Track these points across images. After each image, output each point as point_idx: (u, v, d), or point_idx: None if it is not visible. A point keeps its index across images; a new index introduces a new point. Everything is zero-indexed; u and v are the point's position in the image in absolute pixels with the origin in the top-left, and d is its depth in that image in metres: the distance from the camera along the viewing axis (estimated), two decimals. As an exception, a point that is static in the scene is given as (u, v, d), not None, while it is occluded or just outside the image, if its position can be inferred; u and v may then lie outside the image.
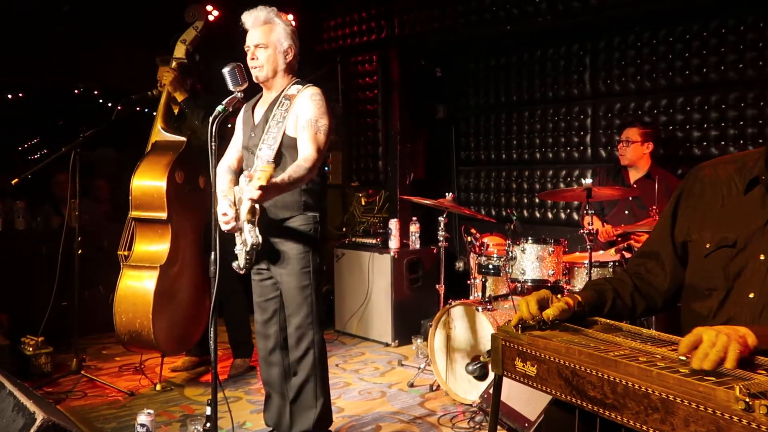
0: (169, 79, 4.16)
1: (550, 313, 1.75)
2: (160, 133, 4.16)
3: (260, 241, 2.83)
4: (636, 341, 1.58)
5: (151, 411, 3.08)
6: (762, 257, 1.70)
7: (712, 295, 1.77)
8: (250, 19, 2.95)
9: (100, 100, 6.49)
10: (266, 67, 2.96)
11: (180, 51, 4.16)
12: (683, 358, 1.41)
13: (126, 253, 4.06)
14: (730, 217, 1.80)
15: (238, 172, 3.16)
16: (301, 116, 2.88)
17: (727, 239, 1.76)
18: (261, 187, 2.55)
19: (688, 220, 1.90)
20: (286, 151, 2.91)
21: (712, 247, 1.78)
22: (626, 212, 4.39)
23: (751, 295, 1.69)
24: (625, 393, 1.39)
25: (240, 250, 2.95)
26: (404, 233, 5.41)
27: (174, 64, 4.19)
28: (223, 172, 3.13)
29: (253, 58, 2.94)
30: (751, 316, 1.67)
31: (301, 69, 3.16)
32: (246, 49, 2.97)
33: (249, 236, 2.83)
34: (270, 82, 3.02)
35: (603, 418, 1.46)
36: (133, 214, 3.98)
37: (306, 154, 2.82)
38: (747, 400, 1.16)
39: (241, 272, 2.96)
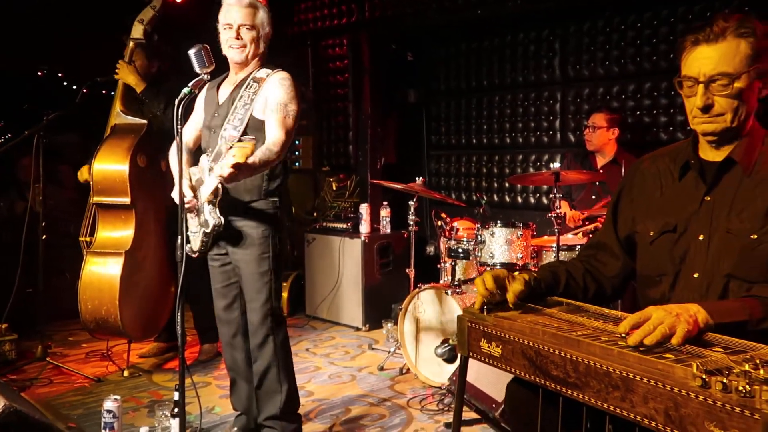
0: (119, 71, 4.07)
1: (516, 288, 1.77)
2: (119, 116, 4.07)
3: (222, 222, 2.81)
4: (599, 321, 1.60)
5: (118, 397, 3.05)
6: (701, 237, 1.76)
7: (662, 281, 1.84)
8: None
9: (65, 83, 6.35)
10: (249, 48, 2.90)
11: (137, 31, 4.07)
12: (624, 334, 1.43)
13: (88, 239, 3.99)
14: (669, 203, 1.87)
15: (195, 151, 3.11)
16: (270, 100, 2.85)
17: (668, 224, 1.83)
18: (235, 165, 2.48)
19: (632, 212, 1.97)
20: (251, 132, 2.86)
21: (656, 234, 1.85)
22: (593, 197, 4.44)
23: (696, 275, 1.75)
24: (587, 372, 1.41)
25: (196, 233, 2.91)
26: (375, 218, 5.41)
27: (131, 44, 4.10)
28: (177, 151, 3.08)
29: (238, 38, 2.87)
30: (698, 295, 1.72)
31: (272, 52, 3.10)
32: (226, 26, 2.88)
33: (210, 217, 2.80)
34: (244, 64, 2.96)
35: (565, 397, 1.48)
36: (95, 199, 3.90)
37: (275, 138, 2.78)
38: (703, 376, 1.19)
39: (194, 255, 2.92)
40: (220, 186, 2.77)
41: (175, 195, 2.79)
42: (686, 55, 1.76)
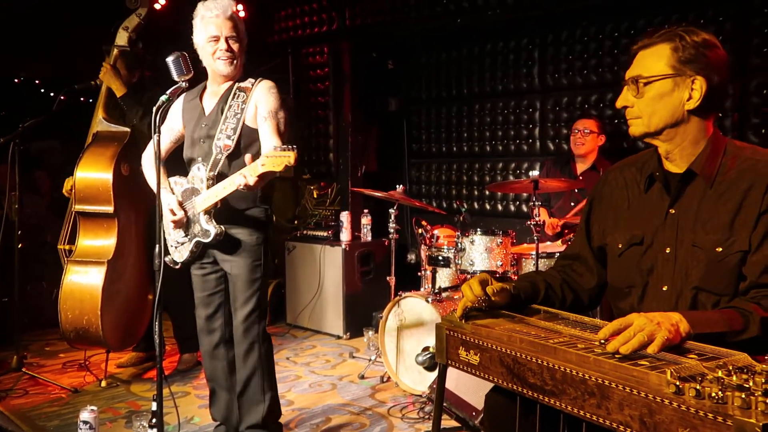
0: (102, 73, 4.06)
1: (497, 286, 1.79)
2: (101, 123, 4.05)
3: (224, 230, 2.85)
4: (576, 329, 1.61)
5: (95, 408, 3.02)
6: (668, 250, 1.77)
7: (631, 292, 1.85)
8: (219, 7, 2.87)
9: (42, 90, 6.28)
10: (238, 59, 2.93)
11: (122, 38, 4.06)
12: (603, 341, 1.44)
13: (67, 247, 3.94)
14: (635, 215, 1.88)
15: (168, 161, 3.12)
16: (261, 108, 2.88)
17: (635, 237, 1.84)
18: (261, 175, 2.57)
19: (602, 224, 1.98)
20: (245, 141, 2.91)
21: (624, 247, 1.86)
22: (572, 204, 4.47)
23: (665, 288, 1.77)
24: (564, 379, 1.42)
25: (182, 243, 2.92)
26: (356, 226, 5.41)
27: (115, 51, 4.08)
28: (152, 165, 3.08)
29: (229, 49, 2.88)
30: (667, 307, 1.72)
31: (253, 60, 3.11)
32: (212, 39, 2.86)
33: (210, 227, 2.84)
34: (231, 74, 2.96)
35: (543, 405, 1.49)
36: (77, 207, 3.86)
37: (276, 146, 2.79)
38: (677, 383, 1.20)
39: (176, 267, 2.93)
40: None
41: (164, 205, 2.84)
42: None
